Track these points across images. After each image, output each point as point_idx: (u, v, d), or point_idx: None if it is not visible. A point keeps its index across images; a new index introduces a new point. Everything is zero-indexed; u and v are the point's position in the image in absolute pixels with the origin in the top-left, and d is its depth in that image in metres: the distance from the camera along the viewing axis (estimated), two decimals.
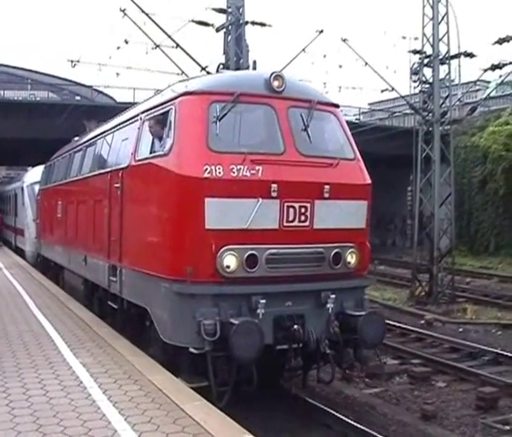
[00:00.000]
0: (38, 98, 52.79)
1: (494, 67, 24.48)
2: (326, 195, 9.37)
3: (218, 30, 23.01)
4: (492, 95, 39.14)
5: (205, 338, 8.50)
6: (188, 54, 17.34)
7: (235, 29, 22.73)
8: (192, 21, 21.51)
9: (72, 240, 16.05)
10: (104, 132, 13.99)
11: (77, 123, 31.60)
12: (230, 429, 6.66)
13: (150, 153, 10.03)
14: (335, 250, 9.56)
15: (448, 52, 25.50)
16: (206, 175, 8.77)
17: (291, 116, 9.61)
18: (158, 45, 18.86)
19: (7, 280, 19.65)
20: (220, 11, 22.98)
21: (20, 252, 30.28)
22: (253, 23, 23.12)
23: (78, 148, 16.75)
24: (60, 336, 10.95)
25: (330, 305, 9.48)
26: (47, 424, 6.62)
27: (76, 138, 18.85)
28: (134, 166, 10.61)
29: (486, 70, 25.13)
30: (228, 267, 8.82)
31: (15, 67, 62.99)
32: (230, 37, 22.80)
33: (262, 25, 23.32)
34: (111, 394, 7.66)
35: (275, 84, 9.59)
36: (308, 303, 9.44)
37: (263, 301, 8.86)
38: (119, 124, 12.73)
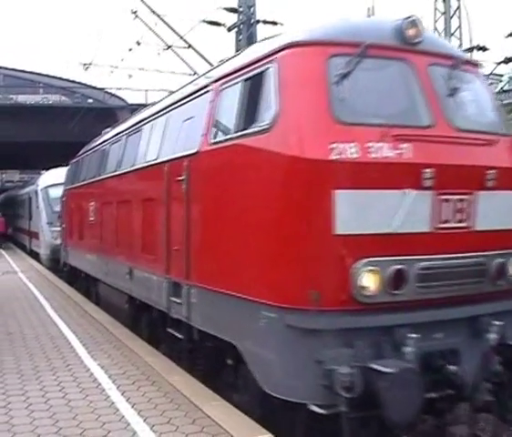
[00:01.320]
0: (51, 102, 53.18)
1: (507, 60, 24.35)
2: (490, 183, 6.93)
3: (229, 29, 23.03)
4: (505, 88, 38.88)
5: (341, 394, 5.91)
6: (200, 54, 17.31)
7: (246, 28, 22.77)
8: (204, 21, 21.51)
9: (111, 248, 13.40)
10: (153, 115, 11.23)
11: (90, 126, 31.91)
12: (249, 428, 6.62)
13: (236, 132, 7.40)
14: (499, 259, 7.01)
15: (461, 46, 25.41)
16: (334, 156, 6.25)
17: (433, 76, 7.11)
18: (169, 46, 18.84)
19: (23, 284, 19.75)
20: (232, 10, 23.00)
21: (35, 255, 30.41)
22: (265, 22, 23.11)
23: (116, 139, 14.05)
24: (77, 338, 10.97)
25: (492, 335, 6.84)
26: (67, 426, 6.61)
27: (108, 129, 17.06)
28: (207, 151, 8.06)
29: (499, 63, 25.03)
30: (366, 288, 6.24)
31: (27, 72, 63.34)
32: (241, 37, 22.82)
33: (274, 23, 23.28)
34: (130, 396, 7.65)
35: (411, 33, 7.06)
36: (462, 334, 6.86)
37: (414, 336, 6.29)
38: (177, 101, 10.04)
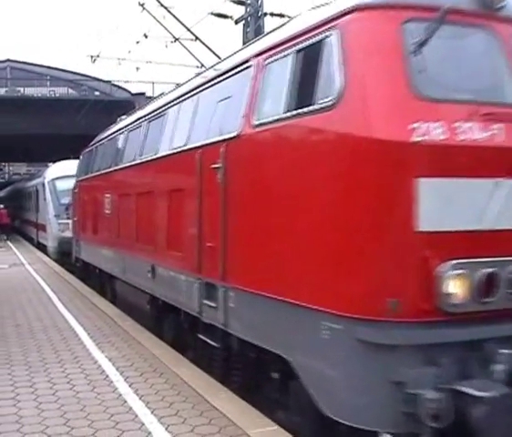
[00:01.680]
0: (58, 95, 53.33)
1: None
2: None
3: (237, 22, 23.01)
4: None
5: (426, 423, 5.00)
6: (207, 46, 17.35)
7: (254, 21, 22.71)
8: (211, 13, 21.49)
9: (130, 244, 12.34)
10: (181, 97, 10.05)
11: (97, 119, 31.94)
12: (258, 421, 6.59)
13: (286, 111, 6.35)
14: None
15: None
16: (417, 138, 5.28)
17: None
18: (177, 39, 18.88)
19: (31, 276, 19.78)
20: (239, 3, 22.96)
21: (42, 248, 30.47)
22: (272, 14, 23.06)
23: (135, 126, 12.94)
24: (85, 330, 10.98)
25: None
26: (75, 418, 6.61)
27: (124, 116, 16.25)
28: (250, 134, 7.05)
29: None
30: (453, 296, 5.27)
31: (34, 64, 63.50)
32: (249, 29, 22.79)
33: (281, 16, 23.21)
34: (137, 388, 7.65)
35: None
36: None
37: (506, 352, 5.27)
38: (209, 80, 8.93)
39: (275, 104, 6.68)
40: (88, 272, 18.10)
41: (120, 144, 14.07)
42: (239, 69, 7.84)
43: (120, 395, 7.39)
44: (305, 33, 6.44)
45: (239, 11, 23.41)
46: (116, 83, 45.70)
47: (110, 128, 16.78)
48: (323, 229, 5.74)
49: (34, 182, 36.62)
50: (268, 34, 8.21)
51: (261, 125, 6.86)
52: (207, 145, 8.18)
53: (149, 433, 6.20)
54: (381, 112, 5.44)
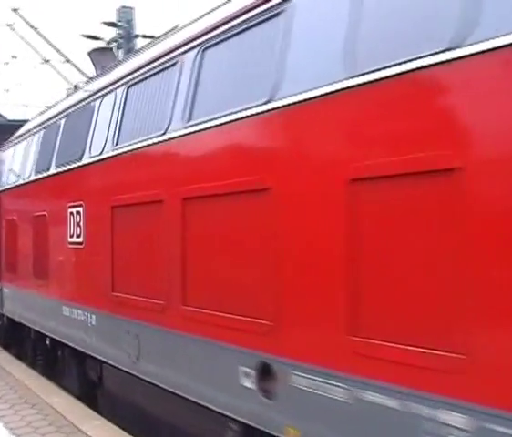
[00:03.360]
0: None
1: None
2: None
3: (109, 43, 22.93)
4: None
5: None
6: (77, 68, 17.13)
7: (126, 42, 22.73)
8: (82, 35, 21.31)
9: (151, 302, 6.40)
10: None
11: None
12: None
13: None
14: None
15: None
16: None
17: None
18: (47, 60, 18.56)
19: None
20: (110, 25, 22.93)
21: None
22: (144, 36, 23.17)
23: (133, 79, 7.39)
24: None
25: None
26: None
27: (59, 100, 11.41)
28: None
29: None
30: None
31: None
32: (121, 51, 22.80)
33: (153, 38, 23.45)
34: (8, 421, 7.45)
35: None
36: None
37: None
38: None
39: None
40: (20, 337, 11.97)
41: (100, 119, 8.20)
42: None
43: None
44: None
45: (111, 33, 23.39)
46: None
47: (61, 102, 11.16)
48: None
49: None
50: None
51: None
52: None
53: None
54: None
